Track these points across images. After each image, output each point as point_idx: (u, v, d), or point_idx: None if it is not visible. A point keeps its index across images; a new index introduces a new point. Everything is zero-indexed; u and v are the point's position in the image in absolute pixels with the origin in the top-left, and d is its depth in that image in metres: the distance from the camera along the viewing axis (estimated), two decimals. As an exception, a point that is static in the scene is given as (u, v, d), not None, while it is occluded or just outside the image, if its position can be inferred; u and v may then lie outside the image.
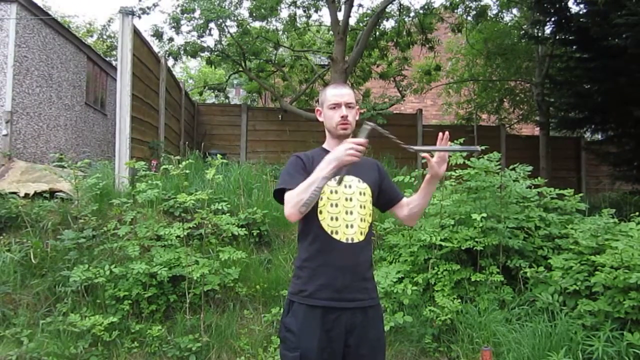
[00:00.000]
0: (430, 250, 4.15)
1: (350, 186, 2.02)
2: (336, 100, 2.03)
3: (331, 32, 10.29)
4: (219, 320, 3.98)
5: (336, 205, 1.98)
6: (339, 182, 1.87)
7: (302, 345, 1.89)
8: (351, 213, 1.98)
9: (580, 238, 3.93)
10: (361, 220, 1.99)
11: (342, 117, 2.01)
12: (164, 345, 3.70)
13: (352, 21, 10.15)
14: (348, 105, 2.03)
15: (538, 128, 12.04)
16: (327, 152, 2.04)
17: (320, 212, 1.98)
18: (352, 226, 1.97)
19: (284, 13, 16.70)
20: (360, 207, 2.01)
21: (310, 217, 1.97)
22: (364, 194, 2.04)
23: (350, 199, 2.00)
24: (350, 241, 1.96)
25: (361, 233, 1.98)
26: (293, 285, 2.01)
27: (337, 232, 1.96)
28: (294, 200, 1.81)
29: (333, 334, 1.90)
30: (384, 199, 2.15)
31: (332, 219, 1.97)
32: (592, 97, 8.04)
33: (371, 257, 2.08)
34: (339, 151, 1.78)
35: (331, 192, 2.00)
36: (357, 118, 2.11)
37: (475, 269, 4.11)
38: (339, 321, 1.91)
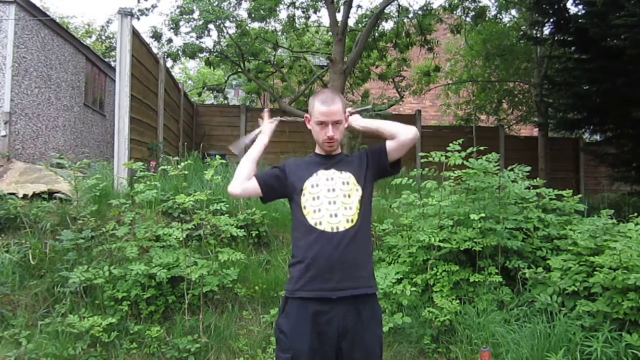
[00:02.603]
0: (429, 251, 4.15)
1: (332, 178, 2.06)
2: (324, 119, 2.07)
3: (330, 33, 10.30)
4: (217, 321, 3.98)
5: (318, 198, 2.02)
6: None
7: (293, 347, 1.91)
8: (334, 203, 2.01)
9: (579, 239, 3.93)
10: (346, 208, 2.00)
11: (328, 136, 2.07)
12: (162, 346, 3.69)
13: (351, 22, 10.16)
14: (336, 123, 2.07)
15: (537, 129, 12.08)
16: (318, 156, 2.16)
17: (304, 207, 2.02)
18: (336, 215, 1.99)
19: (283, 14, 16.67)
20: (344, 196, 2.02)
21: (296, 213, 2.04)
22: (348, 182, 2.06)
23: (333, 189, 2.03)
24: (335, 230, 1.96)
25: (348, 221, 1.98)
26: (287, 283, 2.06)
27: (321, 223, 1.98)
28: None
29: (324, 337, 1.91)
30: (379, 159, 2.12)
31: (314, 211, 2.00)
32: (590, 98, 8.04)
33: (366, 246, 2.04)
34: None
35: (312, 185, 2.05)
36: (346, 125, 2.17)
37: (474, 270, 4.11)
38: (331, 324, 1.91)
